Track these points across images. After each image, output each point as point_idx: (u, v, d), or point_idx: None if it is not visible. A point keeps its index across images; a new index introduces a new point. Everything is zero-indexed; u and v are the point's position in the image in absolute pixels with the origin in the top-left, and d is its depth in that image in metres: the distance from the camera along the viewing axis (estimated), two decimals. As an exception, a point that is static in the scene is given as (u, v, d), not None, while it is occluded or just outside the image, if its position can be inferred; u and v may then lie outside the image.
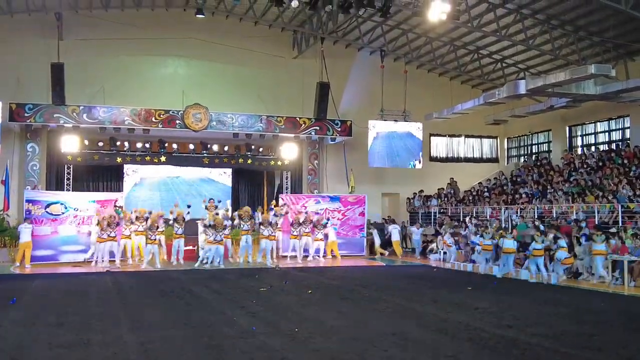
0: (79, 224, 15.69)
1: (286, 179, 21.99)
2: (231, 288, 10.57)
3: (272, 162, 21.32)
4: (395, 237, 19.05)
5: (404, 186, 22.87)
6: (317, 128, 20.86)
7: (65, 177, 19.77)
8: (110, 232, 14.79)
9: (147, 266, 14.60)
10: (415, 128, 21.84)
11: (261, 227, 16.11)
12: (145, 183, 20.75)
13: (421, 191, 22.86)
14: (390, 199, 23.57)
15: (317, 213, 17.75)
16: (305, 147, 21.99)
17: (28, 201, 15.61)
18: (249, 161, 20.88)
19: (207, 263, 14.98)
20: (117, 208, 15.61)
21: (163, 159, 19.97)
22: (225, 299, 9.20)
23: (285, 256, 16.89)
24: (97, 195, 16.94)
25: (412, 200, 22.82)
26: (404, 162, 21.57)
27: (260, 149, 20.95)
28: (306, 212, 17.38)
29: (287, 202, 17.70)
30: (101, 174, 20.42)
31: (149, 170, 20.69)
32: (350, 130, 21.29)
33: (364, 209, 18.70)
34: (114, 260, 15.16)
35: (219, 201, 17.25)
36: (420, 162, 21.76)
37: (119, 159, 19.74)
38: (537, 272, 13.05)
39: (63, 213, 15.71)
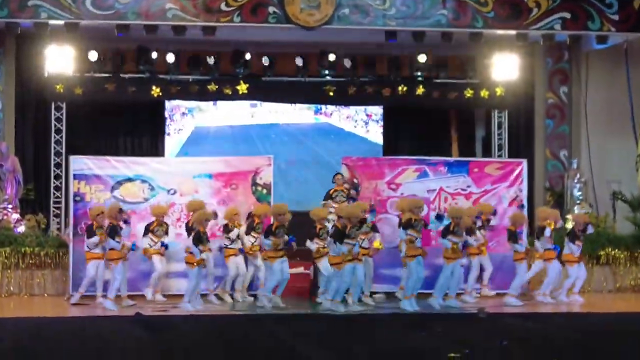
0: (179, 220, 14.83)
1: (498, 126, 18.93)
2: (387, 352, 9.81)
3: (469, 92, 18.21)
4: None
5: None
6: (566, 16, 17.56)
7: (53, 127, 17.37)
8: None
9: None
10: None
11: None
12: (207, 139, 19.35)
13: None
14: None
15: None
16: (540, 58, 18.91)
17: (77, 176, 14.95)
18: (419, 90, 18.07)
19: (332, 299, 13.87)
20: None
21: (243, 88, 17.63)
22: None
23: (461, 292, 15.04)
24: (210, 164, 15.73)
25: None
26: None
27: (444, 66, 18.20)
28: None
29: (352, 175, 15.92)
30: (122, 120, 18.77)
31: (214, 114, 19.24)
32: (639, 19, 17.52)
33: (520, 189, 16.08)
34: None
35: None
36: None
37: (155, 90, 17.39)
38: None
39: (147, 200, 14.98)
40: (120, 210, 13.72)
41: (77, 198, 14.58)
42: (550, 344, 10.35)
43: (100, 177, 14.83)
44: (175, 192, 15.04)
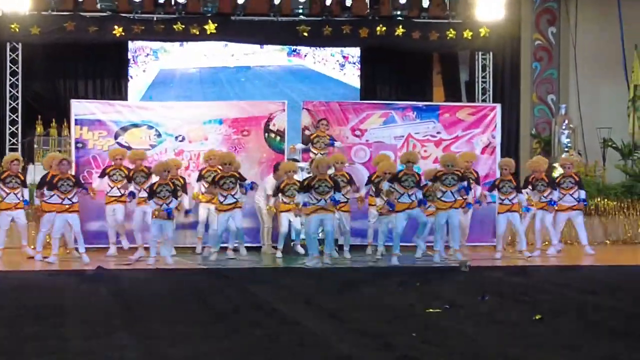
0: (187, 168, 14.82)
1: (482, 69, 18.88)
2: (362, 307, 9.69)
3: (451, 33, 18.09)
4: None
5: None
6: (555, -55, 18.23)
7: (8, 69, 17.30)
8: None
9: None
10: None
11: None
12: (173, 83, 19.43)
13: None
14: None
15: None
16: (528, -6, 19.41)
17: (79, 122, 14.88)
18: (399, 31, 17.89)
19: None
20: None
21: (211, 28, 17.64)
22: (354, 331, 8.21)
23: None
24: (220, 109, 15.55)
25: None
26: None
27: (424, 4, 17.86)
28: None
29: (315, 121, 15.57)
30: (82, 61, 18.80)
31: (180, 55, 19.41)
32: (633, -47, 17.50)
33: (493, 135, 15.74)
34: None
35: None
36: None
37: (117, 30, 17.33)
38: None
39: (153, 147, 14.93)
40: (64, 163, 13.25)
41: (80, 145, 14.31)
42: (536, 299, 9.90)
43: (104, 123, 14.56)
44: (183, 139, 14.82)
